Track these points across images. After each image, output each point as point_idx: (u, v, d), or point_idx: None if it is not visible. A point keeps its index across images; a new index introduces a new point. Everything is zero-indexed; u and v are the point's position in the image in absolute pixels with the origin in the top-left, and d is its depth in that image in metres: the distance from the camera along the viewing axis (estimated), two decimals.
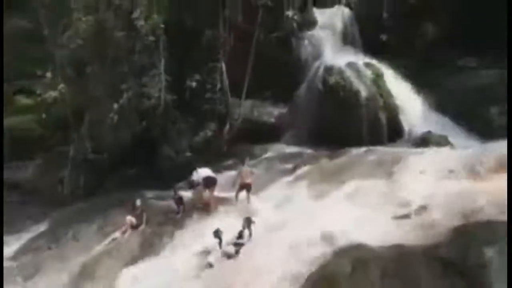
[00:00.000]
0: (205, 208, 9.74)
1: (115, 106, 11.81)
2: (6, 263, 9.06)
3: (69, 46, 11.57)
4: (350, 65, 14.18)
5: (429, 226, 6.98)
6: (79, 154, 12.72)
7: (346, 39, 16.22)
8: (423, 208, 7.76)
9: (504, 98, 12.50)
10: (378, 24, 15.80)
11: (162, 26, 12.15)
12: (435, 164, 9.99)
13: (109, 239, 9.02)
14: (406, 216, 7.72)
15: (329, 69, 14.16)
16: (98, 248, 8.75)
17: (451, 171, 9.33)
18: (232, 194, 10.09)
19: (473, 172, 9.03)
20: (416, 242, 6.45)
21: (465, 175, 9.07)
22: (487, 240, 5.94)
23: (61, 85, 11.44)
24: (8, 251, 10.05)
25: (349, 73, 13.82)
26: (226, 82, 14.65)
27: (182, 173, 12.01)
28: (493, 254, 5.68)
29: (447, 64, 14.82)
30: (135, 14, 11.90)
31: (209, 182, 9.86)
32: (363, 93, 13.57)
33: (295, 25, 15.28)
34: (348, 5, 17.04)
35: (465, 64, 15.01)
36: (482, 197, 7.58)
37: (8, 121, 13.60)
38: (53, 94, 11.69)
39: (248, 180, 9.97)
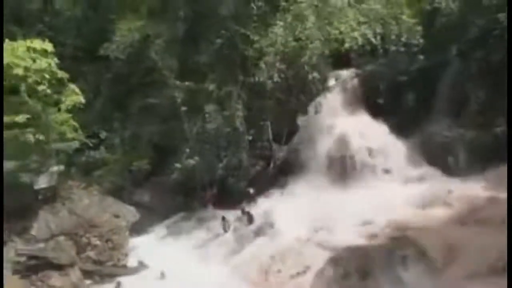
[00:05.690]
0: None
1: (220, 165, 19.63)
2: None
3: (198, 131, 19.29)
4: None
5: None
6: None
7: (353, 101, 23.24)
8: None
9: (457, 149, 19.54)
10: (377, 92, 22.85)
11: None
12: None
13: (217, 236, 16.54)
14: None
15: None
16: (212, 241, 16.23)
17: None
18: None
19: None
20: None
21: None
22: None
23: (196, 157, 19.16)
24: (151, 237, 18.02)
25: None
26: (270, 134, 21.86)
27: (241, 197, 19.71)
28: None
29: (423, 120, 21.48)
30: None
31: None
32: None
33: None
34: (356, 74, 24.13)
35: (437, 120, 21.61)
36: None
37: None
38: (192, 162, 19.27)
39: None
